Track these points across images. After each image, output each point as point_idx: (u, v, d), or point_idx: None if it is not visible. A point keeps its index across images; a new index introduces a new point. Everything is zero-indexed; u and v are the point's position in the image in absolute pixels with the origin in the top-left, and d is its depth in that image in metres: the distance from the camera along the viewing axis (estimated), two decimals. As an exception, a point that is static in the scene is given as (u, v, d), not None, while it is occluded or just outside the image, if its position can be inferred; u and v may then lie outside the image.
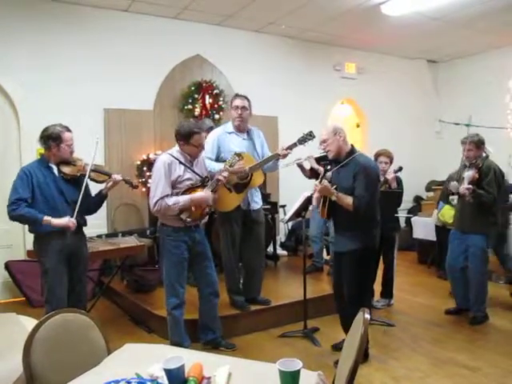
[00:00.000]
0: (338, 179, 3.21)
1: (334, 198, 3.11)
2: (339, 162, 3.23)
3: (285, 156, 3.83)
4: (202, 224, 3.58)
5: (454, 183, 3.99)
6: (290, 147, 3.81)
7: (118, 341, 2.29)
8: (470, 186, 3.77)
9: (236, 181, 3.77)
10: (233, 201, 3.83)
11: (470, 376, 3.14)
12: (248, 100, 3.95)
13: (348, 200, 3.11)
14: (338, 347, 3.48)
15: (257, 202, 4.02)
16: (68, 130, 3.20)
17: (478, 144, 3.94)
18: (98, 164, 3.51)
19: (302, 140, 3.83)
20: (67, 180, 3.22)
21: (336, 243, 3.38)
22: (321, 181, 3.11)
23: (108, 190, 3.42)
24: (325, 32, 6.55)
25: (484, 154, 4.00)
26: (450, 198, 4.18)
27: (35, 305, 4.65)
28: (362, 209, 3.11)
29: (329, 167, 3.26)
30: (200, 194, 3.26)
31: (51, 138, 3.12)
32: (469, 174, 3.80)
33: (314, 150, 4.34)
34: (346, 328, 3.40)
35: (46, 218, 3.01)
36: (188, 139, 3.24)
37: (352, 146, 3.32)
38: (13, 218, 3.05)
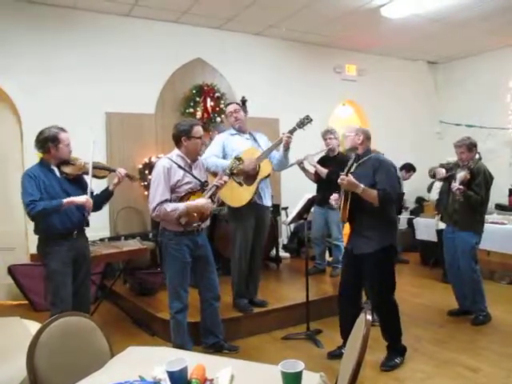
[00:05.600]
0: (356, 178, 3.15)
1: (360, 191, 3.06)
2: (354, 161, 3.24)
3: (287, 142, 3.85)
4: (205, 227, 3.58)
5: (441, 169, 4.29)
6: (291, 131, 3.87)
7: (120, 344, 2.30)
8: (461, 187, 3.91)
9: (246, 172, 3.82)
10: (245, 194, 3.86)
11: (473, 377, 3.14)
12: (237, 103, 4.22)
13: (374, 193, 3.08)
14: (333, 355, 3.48)
15: (268, 200, 4.05)
16: (63, 130, 3.23)
17: (470, 147, 4.11)
18: (98, 161, 3.51)
19: (301, 123, 3.90)
20: (70, 180, 3.25)
21: (357, 245, 3.31)
22: (347, 173, 3.06)
23: (115, 187, 3.45)
24: (325, 34, 6.57)
25: (477, 156, 4.16)
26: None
27: (39, 308, 4.67)
28: (388, 201, 3.12)
29: (351, 164, 3.21)
30: (196, 201, 3.23)
31: (49, 140, 3.14)
32: (461, 174, 3.98)
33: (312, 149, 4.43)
34: (345, 330, 3.42)
35: (66, 200, 3.05)
36: (189, 133, 3.27)
37: (370, 148, 3.37)
38: (34, 216, 3.04)
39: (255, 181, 3.89)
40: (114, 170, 3.47)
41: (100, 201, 3.45)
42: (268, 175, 4.00)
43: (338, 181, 3.10)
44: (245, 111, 4.55)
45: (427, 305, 4.75)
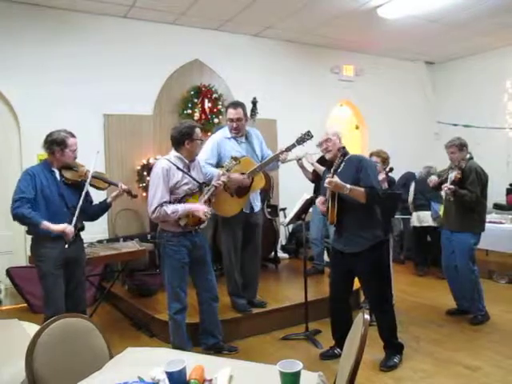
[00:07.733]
0: (340, 178, 3.12)
1: (347, 191, 3.04)
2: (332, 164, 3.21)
3: (284, 158, 3.86)
4: (209, 227, 3.57)
5: (433, 177, 4.32)
6: (289, 148, 3.85)
7: (119, 345, 2.30)
8: (452, 187, 3.94)
9: (237, 185, 3.80)
10: (235, 206, 3.85)
11: (472, 376, 3.15)
12: (242, 107, 3.94)
13: (361, 190, 3.07)
14: (326, 355, 3.49)
15: (257, 205, 4.05)
16: (72, 135, 3.23)
17: (460, 147, 4.13)
18: (100, 172, 3.53)
19: (301, 140, 3.86)
20: (68, 185, 3.24)
21: (349, 245, 3.27)
22: (333, 175, 3.03)
23: (114, 200, 3.46)
24: (322, 35, 6.58)
25: (468, 156, 4.18)
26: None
27: (37, 310, 4.64)
28: (376, 197, 3.11)
29: (338, 165, 3.15)
30: (197, 205, 3.26)
31: (56, 143, 3.14)
32: (451, 175, 4.03)
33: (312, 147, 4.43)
34: (337, 331, 3.42)
35: (45, 223, 3.01)
36: (192, 135, 3.28)
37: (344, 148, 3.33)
38: (15, 216, 3.03)
39: (246, 194, 3.88)
40: (114, 184, 3.48)
41: (96, 211, 3.46)
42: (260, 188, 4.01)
43: (325, 183, 3.09)
44: (255, 113, 4.51)
45: (426, 304, 4.76)
